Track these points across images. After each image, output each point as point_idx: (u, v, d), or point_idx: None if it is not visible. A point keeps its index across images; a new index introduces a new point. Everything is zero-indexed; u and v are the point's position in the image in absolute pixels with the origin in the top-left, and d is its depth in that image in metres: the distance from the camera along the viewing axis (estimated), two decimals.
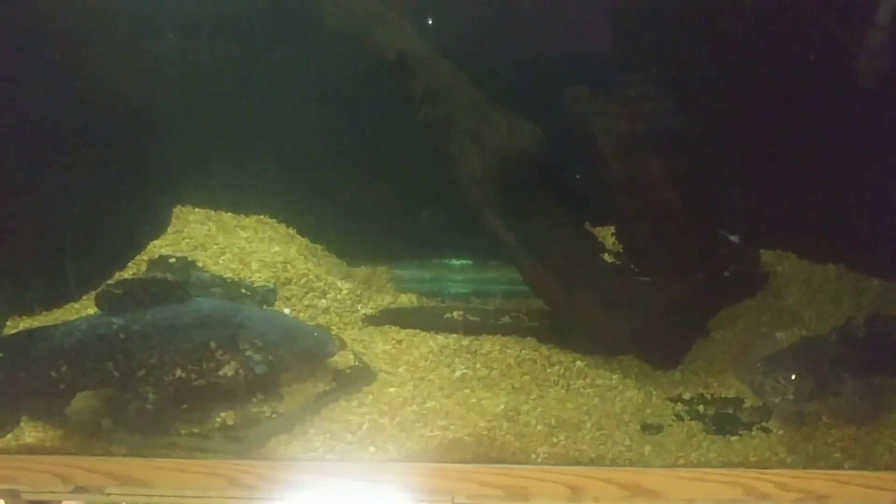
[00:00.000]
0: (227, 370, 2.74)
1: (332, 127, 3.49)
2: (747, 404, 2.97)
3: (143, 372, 2.71)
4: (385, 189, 3.59)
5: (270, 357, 2.77)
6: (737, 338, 3.30)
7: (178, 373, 2.72)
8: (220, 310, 2.87)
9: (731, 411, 2.96)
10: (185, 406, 2.74)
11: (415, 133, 3.27)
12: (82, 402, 2.71)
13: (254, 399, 2.79)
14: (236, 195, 3.61)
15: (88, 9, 3.20)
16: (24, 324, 3.15)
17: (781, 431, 2.81)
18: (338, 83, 3.39)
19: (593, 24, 3.33)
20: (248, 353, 2.76)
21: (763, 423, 2.86)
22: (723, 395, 3.04)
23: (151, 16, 3.30)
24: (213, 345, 2.74)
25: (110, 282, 3.02)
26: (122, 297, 2.79)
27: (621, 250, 3.32)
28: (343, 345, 3.11)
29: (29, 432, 2.73)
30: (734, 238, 3.41)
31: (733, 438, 2.81)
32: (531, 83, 3.30)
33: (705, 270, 3.24)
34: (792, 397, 2.78)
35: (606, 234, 3.41)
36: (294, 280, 3.41)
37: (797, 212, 3.49)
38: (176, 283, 2.85)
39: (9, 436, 2.71)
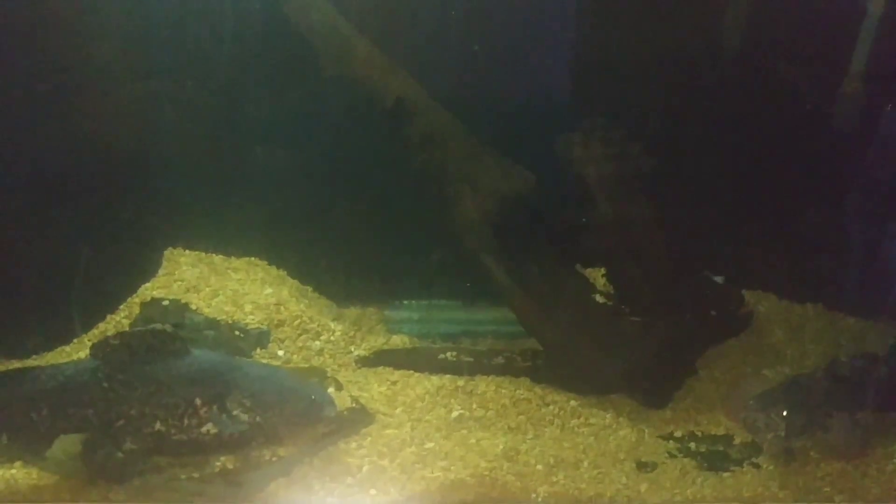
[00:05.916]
0: (210, 428, 2.70)
1: (325, 170, 3.52)
2: (737, 441, 3.05)
3: (122, 422, 2.68)
4: (377, 231, 3.62)
5: (258, 418, 2.74)
6: (723, 376, 3.37)
7: (158, 426, 2.69)
8: (215, 365, 2.84)
9: (721, 448, 3.03)
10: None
11: (409, 177, 3.31)
12: (62, 445, 2.67)
13: (253, 443, 2.77)
14: (227, 236, 3.61)
15: (80, 55, 3.21)
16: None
17: (772, 467, 2.89)
18: (332, 128, 3.42)
19: (583, 69, 3.44)
20: (235, 412, 2.73)
21: (753, 459, 2.93)
22: (713, 433, 3.11)
23: (144, 61, 3.32)
24: (198, 401, 2.72)
25: (110, 333, 2.99)
26: (118, 348, 2.77)
27: (612, 291, 3.38)
28: (339, 386, 3.11)
29: (23, 480, 2.67)
30: (719, 279, 3.50)
31: (725, 475, 2.87)
32: (524, 128, 3.37)
33: (693, 310, 3.32)
34: (783, 433, 2.87)
35: (597, 276, 3.48)
36: (287, 322, 3.41)
37: (778, 252, 3.60)
38: (175, 335, 2.84)
39: (2, 486, 2.65)
